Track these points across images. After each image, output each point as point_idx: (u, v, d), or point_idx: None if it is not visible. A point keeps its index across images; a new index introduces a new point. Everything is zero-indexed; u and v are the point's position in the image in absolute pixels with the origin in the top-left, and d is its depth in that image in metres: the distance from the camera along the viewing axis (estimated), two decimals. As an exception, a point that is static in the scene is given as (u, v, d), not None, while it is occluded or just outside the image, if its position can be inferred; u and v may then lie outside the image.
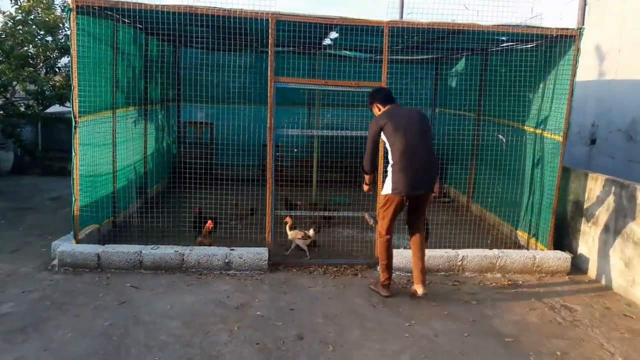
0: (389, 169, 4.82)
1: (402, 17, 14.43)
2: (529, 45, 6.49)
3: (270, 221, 5.73)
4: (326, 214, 6.95)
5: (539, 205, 6.33)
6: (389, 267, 5.04)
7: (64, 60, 10.89)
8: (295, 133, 6.42)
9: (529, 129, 6.62)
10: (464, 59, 8.96)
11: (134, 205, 7.29)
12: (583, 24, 8.93)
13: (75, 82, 5.32)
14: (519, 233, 6.86)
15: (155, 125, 8.32)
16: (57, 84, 10.26)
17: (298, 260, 5.89)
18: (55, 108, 11.17)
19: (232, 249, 5.57)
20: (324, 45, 7.87)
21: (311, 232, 5.99)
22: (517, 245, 6.73)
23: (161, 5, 5.27)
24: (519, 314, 4.84)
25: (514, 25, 5.70)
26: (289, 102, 9.28)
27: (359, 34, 6.42)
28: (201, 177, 6.53)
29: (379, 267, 5.53)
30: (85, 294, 4.81)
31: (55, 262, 5.44)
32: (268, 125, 5.57)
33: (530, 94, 6.60)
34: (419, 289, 4.93)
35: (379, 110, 4.95)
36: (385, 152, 5.03)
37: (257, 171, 9.00)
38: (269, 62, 5.47)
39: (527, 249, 6.55)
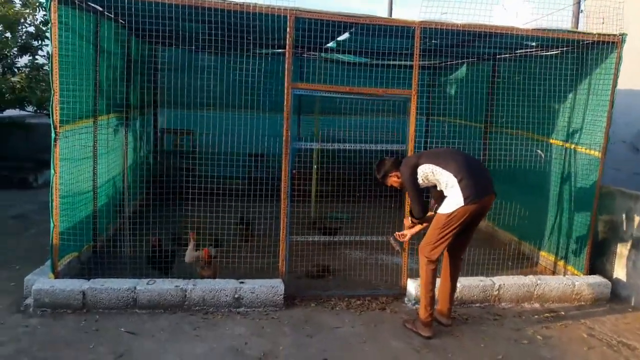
0: (450, 190, 4.29)
1: (390, 14, 13.92)
2: (556, 51, 6.00)
3: (285, 248, 4.99)
4: (340, 238, 6.27)
5: (570, 225, 5.84)
6: (433, 301, 4.42)
7: (24, 59, 9.81)
8: (315, 147, 5.68)
9: (556, 142, 6.13)
10: (464, 66, 8.46)
11: (116, 225, 6.38)
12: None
13: (56, 86, 4.44)
14: (544, 254, 6.36)
15: (138, 134, 7.42)
16: (17, 85, 9.15)
17: (315, 292, 5.17)
18: (8, 112, 10.04)
19: (242, 282, 4.80)
20: (327, 47, 7.19)
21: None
22: (544, 269, 6.23)
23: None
24: (579, 356, 4.28)
25: (554, 30, 5.18)
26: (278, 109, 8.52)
27: (375, 35, 5.77)
28: (184, 190, 5.67)
29: (410, 300, 4.92)
30: (72, 346, 3.94)
31: (30, 301, 4.52)
32: (284, 137, 4.84)
33: (558, 104, 6.11)
34: (446, 321, 4.64)
35: (399, 177, 4.55)
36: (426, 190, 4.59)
37: (243, 183, 8.14)
38: (286, 66, 4.74)
39: (554, 272, 6.07)
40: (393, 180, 4.61)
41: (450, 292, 4.61)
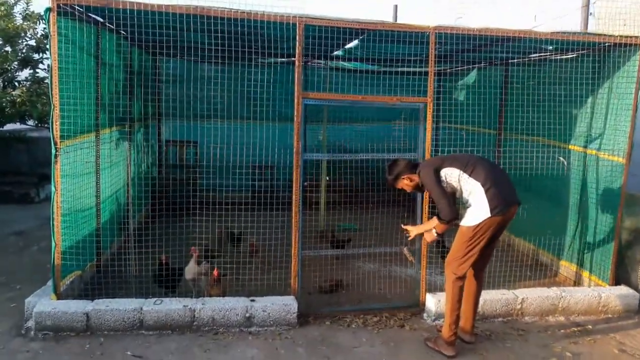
0: (474, 199, 4.06)
1: (395, 19, 13.75)
2: (573, 55, 5.80)
3: (297, 263, 4.77)
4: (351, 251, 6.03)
5: (593, 234, 5.61)
6: (458, 320, 4.19)
7: (25, 72, 9.67)
8: (325, 158, 5.47)
9: (575, 148, 5.91)
10: (474, 71, 8.27)
11: (120, 242, 6.18)
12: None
13: (56, 100, 4.25)
14: (564, 264, 6.12)
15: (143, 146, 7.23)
16: (18, 99, 8.98)
17: (329, 308, 4.94)
18: (9, 126, 9.87)
19: (253, 300, 4.58)
20: (333, 55, 7.02)
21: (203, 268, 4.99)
22: (565, 279, 6.00)
23: (165, 5, 4.28)
24: (613, 374, 4.05)
25: (573, 33, 4.98)
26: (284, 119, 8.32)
27: (385, 41, 5.57)
28: (187, 203, 5.48)
29: (429, 316, 4.70)
30: (77, 372, 3.73)
31: (31, 324, 4.31)
32: (295, 148, 4.64)
33: (575, 109, 5.90)
34: (469, 338, 4.41)
35: (412, 180, 4.30)
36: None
37: (245, 195, 7.87)
38: (295, 75, 4.54)
39: (577, 283, 5.83)
40: (405, 183, 4.34)
41: (473, 308, 4.39)
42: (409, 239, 4.62)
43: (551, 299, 5.00)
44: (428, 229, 4.35)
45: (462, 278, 4.13)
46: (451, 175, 4.12)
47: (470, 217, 4.03)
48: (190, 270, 4.92)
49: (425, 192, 4.63)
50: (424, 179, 4.13)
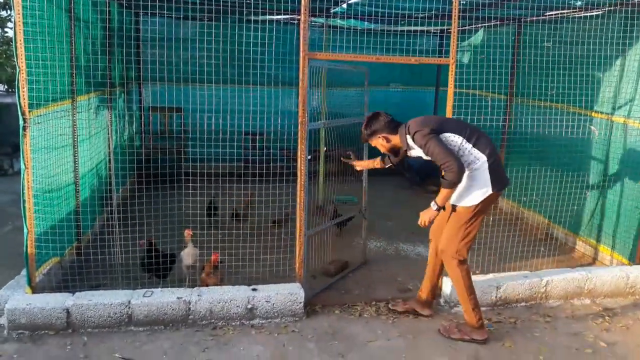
0: (475, 173, 3.64)
1: None
2: (599, 11, 5.25)
3: (302, 246, 4.28)
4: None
5: (617, 208, 5.21)
6: (477, 302, 3.89)
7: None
8: (337, 124, 4.91)
9: (599, 115, 5.44)
10: (481, 31, 7.69)
11: (102, 220, 5.63)
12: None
13: (21, 62, 3.62)
14: (582, 239, 5.75)
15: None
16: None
17: (337, 294, 4.51)
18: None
19: (255, 289, 4.10)
20: (332, 12, 6.39)
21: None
22: (582, 255, 5.63)
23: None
24: (654, 367, 3.69)
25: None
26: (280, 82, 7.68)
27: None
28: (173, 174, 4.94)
29: (447, 302, 4.30)
30: (57, 380, 3.25)
31: (4, 321, 3.78)
32: (300, 119, 4.08)
33: (600, 72, 5.40)
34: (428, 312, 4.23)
35: (388, 141, 3.85)
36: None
37: (237, 165, 7.28)
38: (301, 33, 3.95)
39: (596, 260, 5.47)
40: (379, 142, 3.88)
41: (437, 281, 4.23)
42: (357, 169, 4.56)
43: (577, 281, 4.61)
44: (373, 166, 4.35)
45: (464, 261, 3.80)
46: (452, 142, 3.62)
47: (469, 196, 3.67)
48: (190, 254, 4.40)
49: (398, 157, 4.10)
50: (420, 141, 3.58)
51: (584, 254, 5.68)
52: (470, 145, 3.63)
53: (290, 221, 5.44)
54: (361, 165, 4.53)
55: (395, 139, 3.82)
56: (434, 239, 4.07)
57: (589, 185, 5.59)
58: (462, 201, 3.70)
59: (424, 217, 3.75)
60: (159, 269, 4.30)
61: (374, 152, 4.30)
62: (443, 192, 3.60)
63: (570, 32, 5.38)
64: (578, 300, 4.64)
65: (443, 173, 3.53)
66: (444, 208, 3.75)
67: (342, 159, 4.67)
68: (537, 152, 5.98)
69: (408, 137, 3.70)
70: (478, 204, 3.66)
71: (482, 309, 4.25)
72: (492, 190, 3.63)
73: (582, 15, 5.48)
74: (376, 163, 4.35)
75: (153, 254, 4.31)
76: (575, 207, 5.61)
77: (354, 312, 4.25)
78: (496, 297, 4.43)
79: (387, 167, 4.32)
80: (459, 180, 3.53)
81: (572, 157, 5.70)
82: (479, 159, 3.62)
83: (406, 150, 3.84)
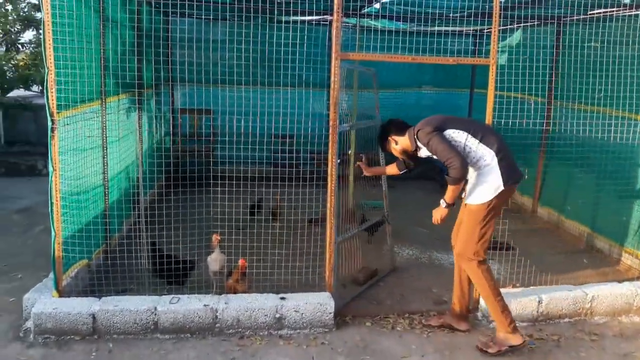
0: (485, 170, 3.59)
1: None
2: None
3: (332, 254, 4.12)
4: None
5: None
6: (505, 304, 3.73)
7: (28, 34, 8.99)
8: (363, 125, 4.76)
9: (649, 119, 5.13)
10: (519, 31, 7.40)
11: (130, 223, 5.58)
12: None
13: (50, 62, 3.57)
14: (628, 250, 5.42)
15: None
16: (21, 63, 8.33)
17: (368, 305, 4.33)
18: (18, 92, 9.25)
19: (283, 298, 3.96)
20: (364, 12, 6.22)
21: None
22: (629, 268, 5.31)
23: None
24: None
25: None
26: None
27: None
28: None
29: (484, 316, 4.04)
30: (80, 389, 3.17)
31: (30, 325, 3.75)
32: (331, 122, 3.93)
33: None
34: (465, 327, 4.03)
35: (397, 143, 3.88)
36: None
37: (265, 168, 7.12)
38: (333, 33, 3.80)
39: (645, 273, 5.15)
40: (391, 146, 3.93)
41: (469, 291, 4.01)
42: (366, 174, 4.45)
43: (625, 297, 4.33)
44: (386, 173, 4.33)
45: (484, 261, 3.66)
46: (457, 138, 3.57)
47: (481, 193, 3.57)
48: (217, 260, 4.28)
49: (415, 160, 4.05)
50: (423, 139, 3.60)
51: (631, 267, 5.36)
52: (477, 142, 3.58)
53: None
54: (371, 171, 4.46)
55: (403, 140, 3.83)
56: (455, 245, 3.93)
57: (637, 193, 5.28)
58: (475, 198, 3.63)
59: (435, 215, 3.75)
60: (170, 275, 4.20)
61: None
62: (450, 188, 3.59)
63: (615, 32, 5.10)
64: (626, 317, 4.35)
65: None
66: (453, 205, 3.69)
67: (357, 163, 4.53)
68: (580, 157, 5.70)
69: (415, 137, 3.70)
70: (492, 200, 3.58)
71: (522, 324, 4.06)
72: (504, 185, 3.57)
73: (629, 13, 5.18)
74: (390, 169, 4.30)
75: (161, 260, 4.22)
76: (623, 217, 5.32)
77: (386, 325, 4.07)
78: (537, 312, 4.18)
79: (402, 172, 4.23)
80: (463, 177, 3.50)
81: (618, 164, 5.39)
82: (487, 155, 3.57)
83: (416, 151, 3.80)
